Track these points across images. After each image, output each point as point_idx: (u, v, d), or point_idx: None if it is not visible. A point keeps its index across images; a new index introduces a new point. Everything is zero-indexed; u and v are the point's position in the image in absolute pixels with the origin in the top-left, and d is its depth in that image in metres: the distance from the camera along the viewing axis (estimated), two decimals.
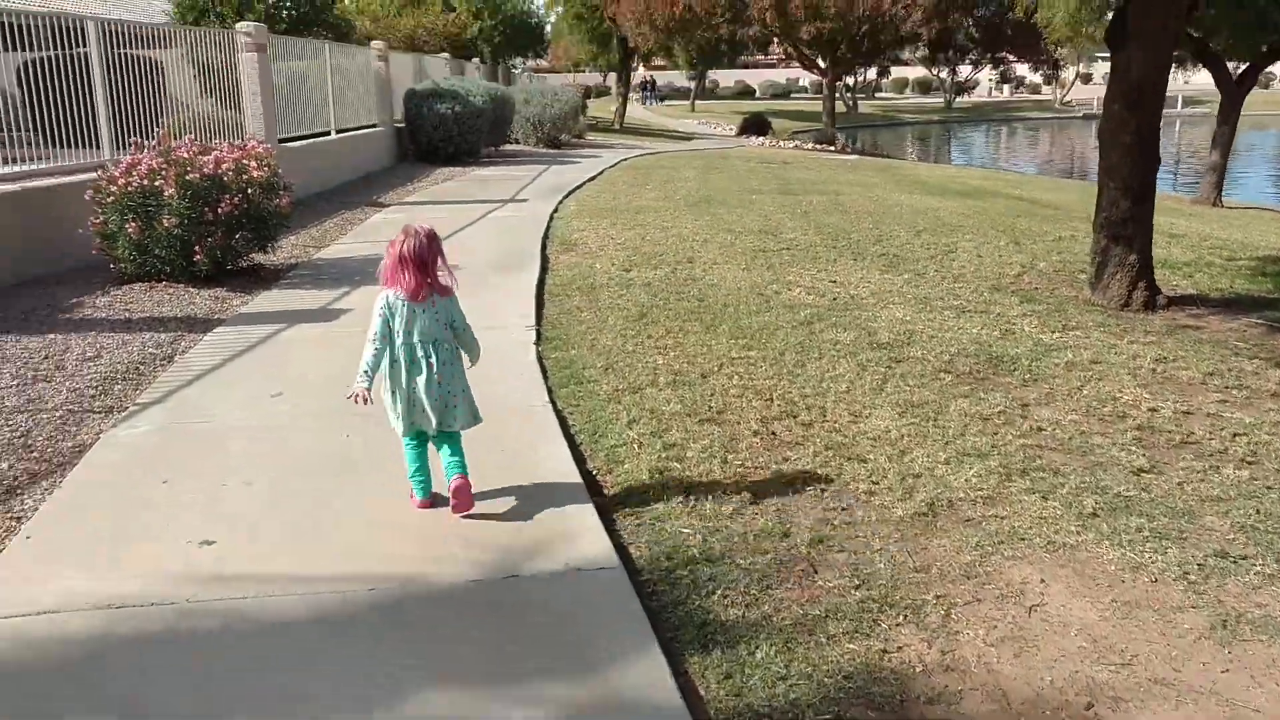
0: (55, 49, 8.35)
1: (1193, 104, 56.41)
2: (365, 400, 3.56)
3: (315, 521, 3.73)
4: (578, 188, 14.77)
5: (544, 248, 9.52)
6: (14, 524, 3.73)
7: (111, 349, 5.93)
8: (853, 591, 3.33)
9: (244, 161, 7.86)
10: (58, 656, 2.87)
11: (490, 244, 9.80)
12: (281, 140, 12.55)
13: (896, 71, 71.71)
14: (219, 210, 7.45)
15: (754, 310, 7.09)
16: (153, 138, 8.06)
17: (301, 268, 8.59)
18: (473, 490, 3.76)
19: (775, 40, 34.18)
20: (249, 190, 7.71)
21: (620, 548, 3.57)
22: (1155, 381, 5.68)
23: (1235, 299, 8.13)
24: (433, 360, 3.66)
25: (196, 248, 7.43)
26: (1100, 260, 7.76)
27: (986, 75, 65.83)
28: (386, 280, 3.63)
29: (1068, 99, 69.53)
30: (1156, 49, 7.36)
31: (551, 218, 11.48)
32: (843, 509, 3.96)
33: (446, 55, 25.81)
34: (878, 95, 72.81)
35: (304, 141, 13.67)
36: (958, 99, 66.18)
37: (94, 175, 7.73)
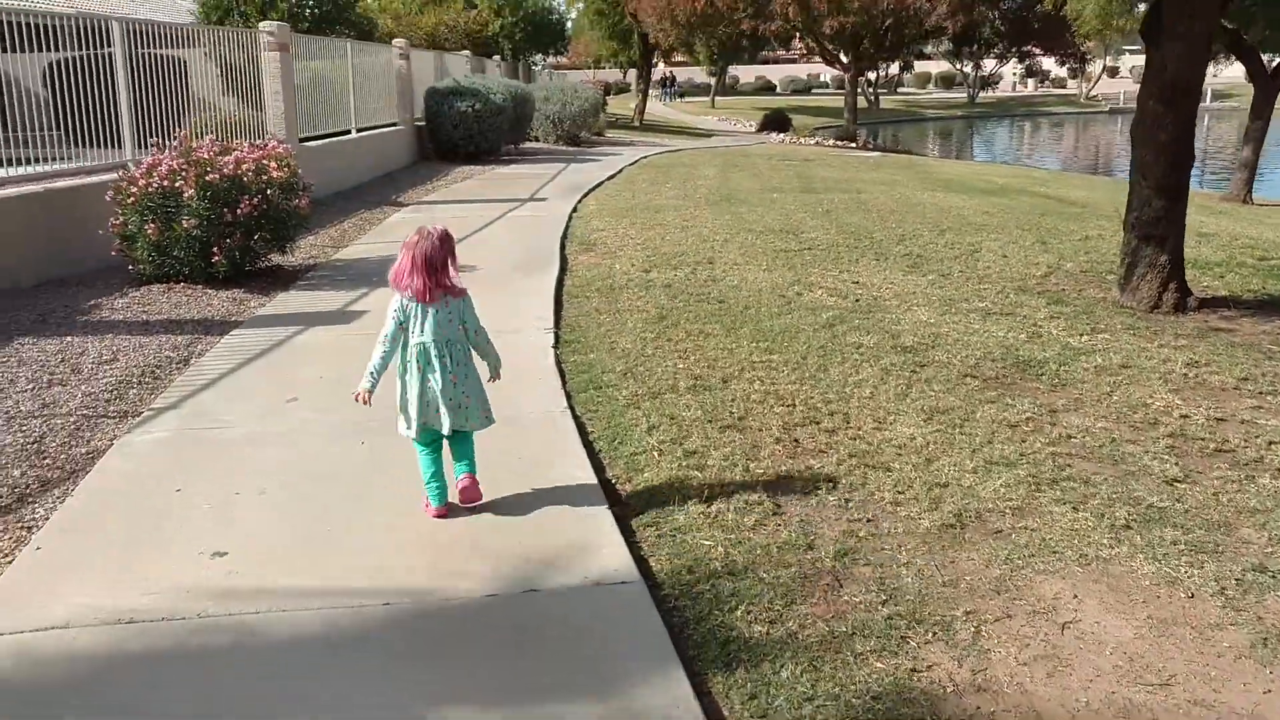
0: (81, 49, 8.36)
1: (1221, 98, 55.73)
2: (367, 401, 3.66)
3: (329, 531, 3.67)
4: (597, 186, 14.70)
5: (563, 248, 9.45)
6: (24, 533, 3.69)
7: (128, 352, 5.91)
8: (880, 607, 3.23)
9: (264, 162, 7.84)
10: (65, 674, 2.82)
11: (509, 244, 9.74)
12: (302, 139, 12.56)
13: (919, 66, 71.21)
14: (238, 211, 7.43)
15: (775, 312, 6.99)
16: (175, 137, 8.04)
17: (320, 268, 8.56)
18: (486, 499, 3.77)
19: (797, 35, 33.95)
20: (268, 191, 7.69)
21: (640, 560, 3.49)
22: (1187, 387, 5.54)
23: (1268, 300, 7.94)
24: (446, 360, 3.66)
25: (215, 249, 7.41)
26: (1130, 260, 7.60)
27: (1010, 70, 65.15)
28: (397, 281, 3.65)
29: (1093, 93, 68.84)
30: (1193, 46, 7.20)
31: (570, 217, 11.42)
32: (868, 520, 3.86)
33: (467, 53, 25.85)
34: (900, 90, 72.24)
35: (324, 141, 13.68)
36: (981, 94, 65.62)
37: (116, 175, 7.73)
